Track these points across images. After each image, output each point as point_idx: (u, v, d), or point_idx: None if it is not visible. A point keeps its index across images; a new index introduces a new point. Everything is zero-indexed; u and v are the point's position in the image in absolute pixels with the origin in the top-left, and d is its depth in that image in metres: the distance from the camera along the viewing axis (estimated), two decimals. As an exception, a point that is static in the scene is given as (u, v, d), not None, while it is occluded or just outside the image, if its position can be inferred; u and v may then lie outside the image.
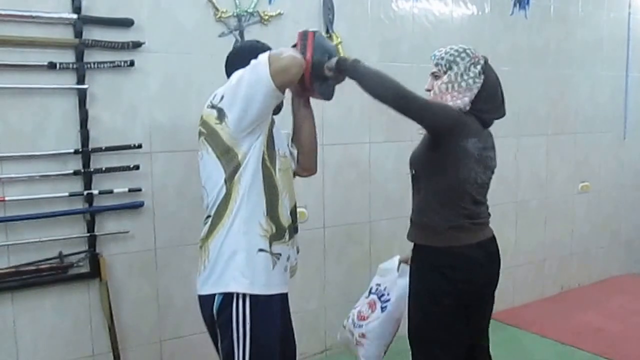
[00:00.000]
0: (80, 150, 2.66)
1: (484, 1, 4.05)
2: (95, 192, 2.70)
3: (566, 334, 4.01)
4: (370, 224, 3.69)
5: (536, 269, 4.64)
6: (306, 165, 2.45)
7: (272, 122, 2.20)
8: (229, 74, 2.15)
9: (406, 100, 2.16)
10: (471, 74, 2.27)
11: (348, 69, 2.19)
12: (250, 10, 3.08)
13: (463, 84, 2.26)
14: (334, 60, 2.20)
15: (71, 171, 2.65)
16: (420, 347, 2.38)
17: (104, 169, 2.71)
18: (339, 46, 3.35)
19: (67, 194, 2.64)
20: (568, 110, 4.67)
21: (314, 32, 2.16)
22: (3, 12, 2.47)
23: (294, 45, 2.14)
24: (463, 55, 2.30)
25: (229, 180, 2.04)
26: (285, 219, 2.15)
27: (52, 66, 2.56)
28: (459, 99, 2.25)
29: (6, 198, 2.52)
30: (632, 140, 5.16)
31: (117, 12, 2.72)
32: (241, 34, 3.06)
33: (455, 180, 2.25)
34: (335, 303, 3.55)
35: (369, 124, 3.58)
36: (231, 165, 2.04)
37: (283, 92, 2.04)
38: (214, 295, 2.05)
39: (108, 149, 2.71)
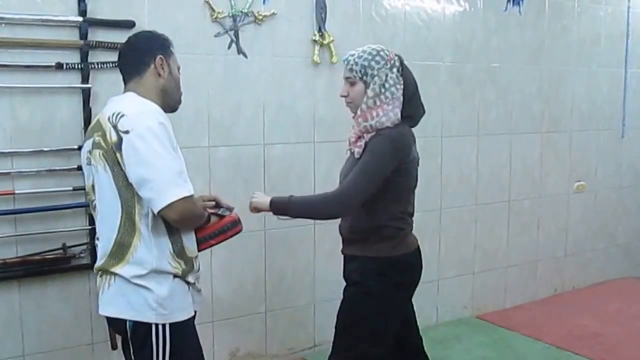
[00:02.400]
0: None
1: (476, -3, 4.69)
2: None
3: (561, 338, 4.52)
4: (360, 221, 4.28)
5: (529, 270, 5.29)
6: None
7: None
8: (125, 67, 2.50)
9: (357, 190, 2.59)
10: (391, 81, 2.62)
11: (288, 212, 2.71)
12: (245, 10, 3.68)
13: (388, 94, 2.61)
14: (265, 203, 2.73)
15: (75, 166, 3.23)
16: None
17: (104, 164, 3.29)
18: (331, 45, 3.96)
19: (71, 188, 3.24)
20: (563, 107, 5.31)
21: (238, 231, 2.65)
22: (15, 16, 3.06)
23: (217, 215, 2.60)
24: (377, 58, 2.64)
25: (128, 212, 2.28)
26: (192, 251, 2.44)
27: (59, 66, 3.15)
28: (391, 112, 2.61)
29: (16, 191, 3.12)
30: (631, 139, 5.80)
31: (119, 14, 3.32)
32: (236, 34, 3.67)
33: (407, 189, 2.76)
34: (324, 300, 4.15)
35: (360, 121, 4.16)
36: (129, 197, 2.27)
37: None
38: (125, 320, 2.32)
39: (109, 145, 3.30)
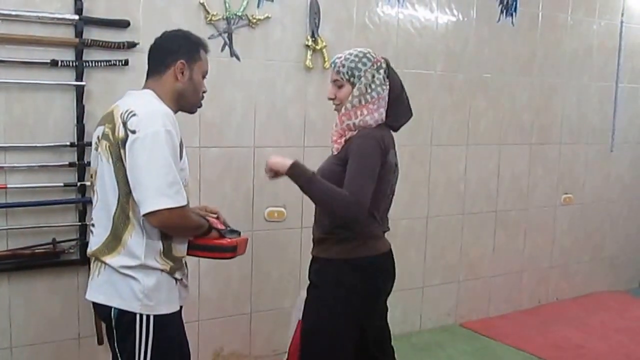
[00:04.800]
0: (76, 143, 3.37)
1: (469, 7, 4.82)
2: (88, 183, 3.36)
3: (543, 349, 4.66)
4: (347, 226, 4.41)
5: (513, 280, 5.44)
6: None
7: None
8: (150, 63, 2.59)
9: (365, 194, 2.60)
10: (377, 82, 2.70)
11: (301, 184, 2.69)
12: (239, 13, 3.81)
13: (374, 93, 2.70)
14: (286, 165, 2.68)
15: (67, 163, 3.37)
16: None
17: (96, 162, 3.41)
18: (324, 50, 4.09)
19: (62, 184, 3.37)
20: (553, 119, 5.46)
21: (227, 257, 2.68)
22: (12, 13, 3.18)
23: (219, 232, 2.64)
24: (364, 60, 2.72)
25: (123, 205, 2.39)
26: (181, 252, 2.54)
27: (54, 63, 3.28)
28: (376, 112, 2.70)
29: (8, 185, 3.24)
30: (620, 153, 5.96)
31: (115, 13, 3.45)
32: (230, 37, 3.80)
33: (381, 194, 2.75)
34: (309, 303, 4.26)
35: (350, 127, 4.29)
36: (126, 192, 2.37)
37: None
38: (110, 307, 2.43)
39: (101, 143, 3.42)
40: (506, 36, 5.04)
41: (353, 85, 2.72)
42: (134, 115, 2.34)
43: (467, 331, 4.99)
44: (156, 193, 2.29)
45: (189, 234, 2.54)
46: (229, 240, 2.66)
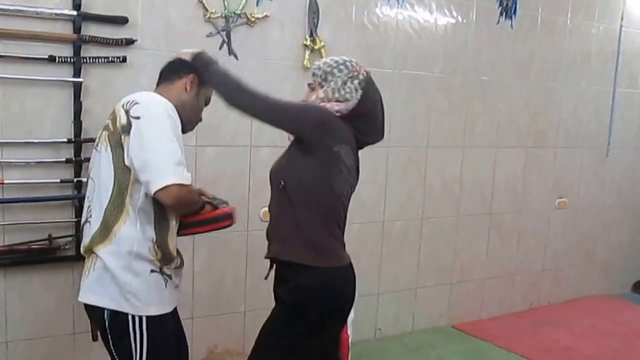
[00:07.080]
0: (73, 139, 3.40)
1: (469, 9, 4.85)
2: (84, 179, 3.39)
3: (534, 351, 4.72)
4: (342, 226, 4.43)
5: (506, 283, 5.49)
6: None
7: None
8: (162, 73, 2.67)
9: (275, 107, 2.56)
10: (347, 89, 2.59)
11: (202, 71, 2.60)
12: (238, 11, 3.84)
13: (337, 95, 2.59)
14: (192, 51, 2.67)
15: (63, 159, 3.40)
16: None
17: (93, 158, 3.43)
18: (322, 50, 4.11)
19: (58, 180, 3.40)
20: (550, 123, 5.50)
21: (228, 225, 2.73)
22: (10, 8, 3.20)
23: (212, 205, 2.69)
24: (341, 67, 2.63)
25: (120, 193, 2.40)
26: (174, 247, 2.55)
27: (52, 59, 3.30)
28: (327, 104, 2.58)
29: (5, 181, 3.27)
30: (615, 158, 6.00)
31: (113, 9, 3.47)
32: (228, 35, 3.82)
33: (332, 191, 2.58)
34: (302, 302, 4.29)
35: (347, 127, 4.31)
36: (124, 178, 2.40)
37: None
38: (103, 309, 2.44)
39: (98, 139, 3.44)
40: (505, 39, 5.06)
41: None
42: (137, 103, 2.40)
43: (459, 333, 5.05)
44: (166, 169, 2.31)
45: (192, 209, 2.57)
46: (224, 209, 2.71)
